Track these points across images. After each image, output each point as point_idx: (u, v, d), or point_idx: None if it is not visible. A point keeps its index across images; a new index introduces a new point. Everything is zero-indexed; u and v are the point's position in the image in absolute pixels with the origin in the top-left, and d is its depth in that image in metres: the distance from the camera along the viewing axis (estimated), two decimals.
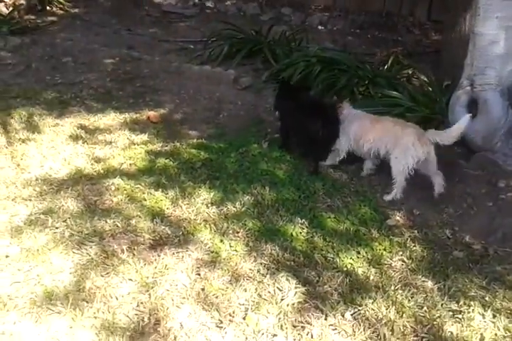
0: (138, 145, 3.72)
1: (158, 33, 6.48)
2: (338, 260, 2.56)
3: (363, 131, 3.22)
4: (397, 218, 2.98)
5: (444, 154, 3.39)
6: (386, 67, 4.84)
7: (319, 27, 6.44)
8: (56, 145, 3.67)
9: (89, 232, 2.65)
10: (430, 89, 4.11)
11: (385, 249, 2.66)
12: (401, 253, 2.65)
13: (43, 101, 4.45)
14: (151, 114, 4.26)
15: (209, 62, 5.33)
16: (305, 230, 2.78)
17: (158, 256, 2.52)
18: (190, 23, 6.77)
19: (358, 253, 2.62)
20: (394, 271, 2.53)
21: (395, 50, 5.54)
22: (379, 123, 3.22)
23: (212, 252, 2.57)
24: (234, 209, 2.94)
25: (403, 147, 3.03)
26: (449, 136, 3.02)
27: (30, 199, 2.91)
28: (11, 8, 6.42)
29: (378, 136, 3.14)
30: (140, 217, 2.83)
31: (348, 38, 6.19)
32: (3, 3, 6.46)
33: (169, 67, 5.32)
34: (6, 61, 5.40)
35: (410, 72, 4.99)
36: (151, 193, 3.06)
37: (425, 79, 4.46)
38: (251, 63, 5.25)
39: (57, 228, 2.68)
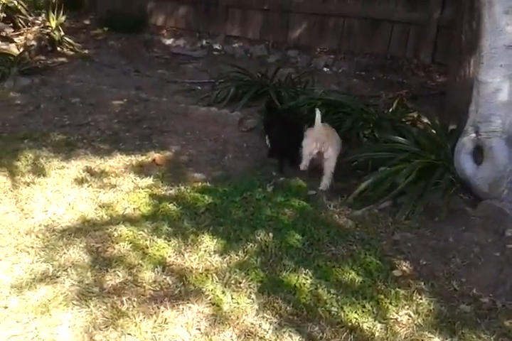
0: (142, 189, 3.71)
1: (167, 74, 6.59)
2: (342, 314, 2.49)
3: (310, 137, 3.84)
4: (404, 268, 2.93)
5: (448, 200, 3.38)
6: (391, 110, 4.86)
7: (325, 69, 6.53)
8: (61, 188, 3.67)
9: (90, 282, 2.61)
10: (435, 132, 4.10)
11: (390, 303, 2.60)
12: (407, 307, 2.58)
13: (50, 142, 4.48)
14: (157, 156, 4.27)
15: (215, 104, 5.39)
16: (309, 281, 2.72)
17: (158, 308, 2.47)
18: (198, 65, 6.89)
19: (363, 307, 2.56)
20: (400, 326, 2.46)
21: (400, 92, 5.59)
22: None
23: (213, 305, 2.52)
24: (237, 257, 2.90)
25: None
26: None
27: (32, 247, 2.89)
28: (21, 49, 6.56)
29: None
30: (142, 265, 2.79)
31: (353, 80, 6.25)
32: (14, 44, 6.62)
33: (176, 109, 5.38)
34: (14, 102, 5.49)
35: (415, 116, 5.02)
36: (153, 240, 3.03)
37: (430, 122, 4.46)
38: (256, 105, 5.29)
39: (57, 277, 2.65)
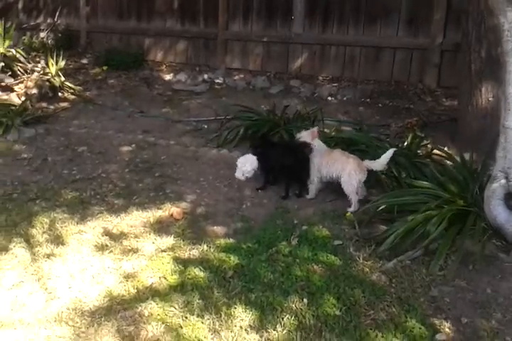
0: (165, 252, 3.58)
1: (171, 112, 6.51)
2: None
3: (322, 161, 4.11)
4: (447, 330, 2.79)
5: (482, 248, 3.26)
6: (406, 143, 4.74)
7: (329, 98, 6.43)
8: (82, 258, 3.53)
9: None
10: (456, 171, 3.98)
11: None
12: None
13: (63, 202, 4.36)
14: (174, 211, 4.14)
15: (225, 145, 5.30)
16: None
17: None
18: (201, 100, 6.81)
19: None
20: None
21: (410, 120, 5.49)
22: (331, 154, 4.14)
23: None
24: (275, 333, 2.77)
25: (348, 173, 3.97)
26: (380, 164, 3.98)
27: (64, 337, 2.75)
28: (23, 98, 6.45)
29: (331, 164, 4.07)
30: None
31: (360, 108, 6.16)
32: (14, 93, 6.51)
33: (186, 152, 5.28)
34: (21, 155, 5.37)
35: (429, 146, 4.91)
36: (186, 318, 2.89)
37: (449, 158, 4.34)
38: None
39: None
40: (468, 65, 4.75)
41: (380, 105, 6.14)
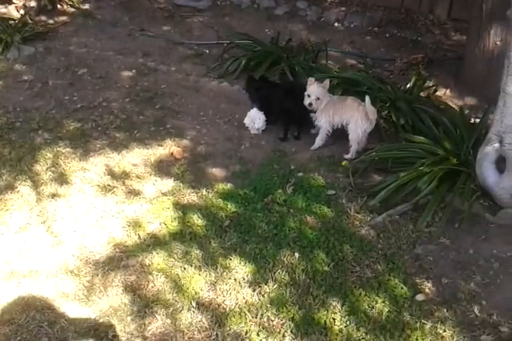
0: (165, 195, 3.60)
1: (172, 31, 6.12)
2: None
3: (336, 108, 3.93)
4: (427, 290, 2.91)
5: (470, 207, 3.28)
6: (408, 86, 4.55)
7: (336, 24, 6.02)
8: (85, 199, 3.55)
9: (132, 330, 2.62)
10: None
11: (416, 339, 2.62)
12: None
13: (65, 134, 4.28)
14: (175, 150, 4.08)
15: (226, 76, 5.07)
16: (338, 316, 2.72)
17: None
18: (203, 19, 6.37)
19: None
20: None
21: (415, 56, 5.22)
22: (344, 102, 3.95)
23: None
24: (267, 288, 2.87)
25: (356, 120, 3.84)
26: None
27: (71, 286, 2.86)
28: (21, 11, 6.02)
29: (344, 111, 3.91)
30: (177, 302, 2.78)
31: (366, 37, 5.80)
32: (13, 6, 6.06)
33: (187, 82, 5.07)
34: (22, 77, 5.16)
35: (431, 85, 4.73)
36: (184, 269, 2.98)
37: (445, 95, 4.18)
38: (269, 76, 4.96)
39: (99, 328, 2.64)
40: (479, 5, 4.40)
41: (387, 35, 5.77)
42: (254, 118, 4.22)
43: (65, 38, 5.88)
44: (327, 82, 3.91)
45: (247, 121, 4.27)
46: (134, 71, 5.24)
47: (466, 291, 2.91)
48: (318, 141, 4.06)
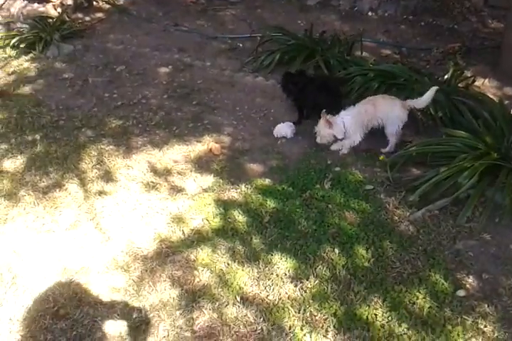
0: (206, 191, 3.69)
1: (205, 25, 6.17)
2: None
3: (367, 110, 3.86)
4: (468, 286, 2.93)
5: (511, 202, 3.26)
6: (446, 77, 4.49)
7: (369, 13, 5.96)
8: (130, 196, 3.67)
9: (181, 325, 2.73)
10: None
11: (458, 334, 2.65)
12: (474, 339, 2.64)
13: (108, 131, 4.41)
14: (213, 146, 4.16)
15: (261, 70, 5.10)
16: (380, 312, 2.77)
17: None
18: (236, 12, 6.39)
19: None
20: None
21: (452, 45, 5.13)
22: (375, 103, 3.87)
23: None
24: (308, 284, 2.95)
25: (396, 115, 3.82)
26: (423, 102, 3.78)
27: (121, 282, 2.99)
28: (59, 9, 6.16)
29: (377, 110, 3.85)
30: (223, 297, 2.88)
31: (401, 26, 5.72)
32: (51, 4, 6.20)
33: (222, 77, 5.12)
34: (62, 75, 5.31)
35: (469, 76, 4.66)
36: (228, 264, 3.08)
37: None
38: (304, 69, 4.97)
39: (150, 321, 2.77)
40: None
41: (422, 24, 5.68)
42: (282, 130, 4.22)
43: (102, 35, 6.00)
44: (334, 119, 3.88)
45: (276, 133, 4.25)
46: (170, 67, 5.32)
47: (506, 287, 2.92)
48: (346, 145, 4.00)
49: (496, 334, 2.66)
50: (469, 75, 4.65)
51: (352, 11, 6.05)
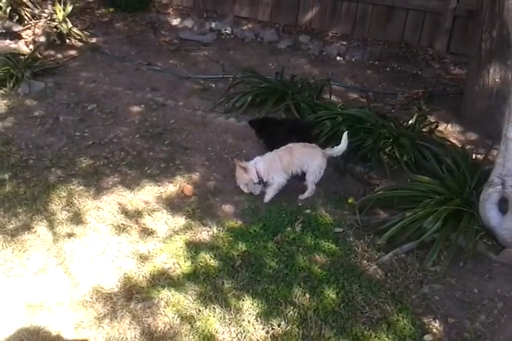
0: (177, 234, 3.71)
1: (178, 66, 6.30)
2: None
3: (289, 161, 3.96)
4: (434, 330, 3.01)
5: (474, 246, 3.40)
6: (410, 122, 4.71)
7: (338, 58, 6.22)
8: (100, 239, 3.65)
9: None
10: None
11: None
12: None
13: (78, 171, 4.40)
14: (185, 187, 4.21)
15: (233, 111, 5.23)
16: None
17: None
18: (209, 53, 6.57)
19: None
20: None
21: (416, 91, 5.40)
22: (293, 151, 3.98)
23: None
24: (279, 330, 2.98)
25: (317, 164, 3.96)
26: (339, 150, 3.98)
27: (90, 328, 2.96)
28: (31, 46, 6.21)
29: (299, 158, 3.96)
30: None
31: (367, 71, 5.99)
32: (22, 41, 6.25)
33: (194, 117, 5.23)
34: (33, 113, 5.30)
35: (433, 122, 4.89)
36: (199, 310, 3.09)
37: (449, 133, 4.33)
38: (274, 112, 5.12)
39: None
40: (478, 45, 4.59)
41: (387, 69, 5.96)
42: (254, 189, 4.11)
43: (74, 73, 6.05)
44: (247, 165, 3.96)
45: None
46: (142, 106, 5.40)
47: (471, 331, 3.02)
48: (270, 193, 4.03)
49: None
50: (432, 120, 4.90)
51: (321, 55, 6.32)
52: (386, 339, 2.94)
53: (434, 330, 3.02)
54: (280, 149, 4.00)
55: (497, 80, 4.61)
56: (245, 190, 4.04)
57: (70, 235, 3.67)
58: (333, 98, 5.33)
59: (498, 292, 3.24)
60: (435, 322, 3.07)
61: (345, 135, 3.93)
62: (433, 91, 5.43)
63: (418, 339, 2.95)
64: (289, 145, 4.00)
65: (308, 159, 3.94)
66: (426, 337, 2.97)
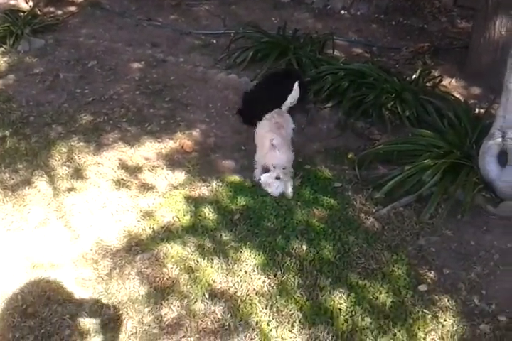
0: (177, 189, 3.72)
1: (179, 21, 6.15)
2: None
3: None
4: (429, 281, 3.04)
5: (472, 199, 3.38)
6: (414, 76, 4.59)
7: (342, 12, 6.02)
8: (101, 193, 3.68)
9: (149, 322, 2.78)
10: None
11: (419, 328, 2.75)
12: (433, 332, 2.74)
13: (78, 128, 4.39)
14: (185, 143, 4.19)
15: (235, 67, 5.12)
16: (344, 306, 2.86)
17: None
18: (210, 8, 6.38)
19: (394, 335, 2.72)
20: None
21: (421, 45, 5.24)
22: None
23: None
24: (275, 279, 3.02)
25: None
26: (291, 99, 3.92)
27: (90, 280, 3.01)
28: (30, 3, 6.08)
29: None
30: (191, 294, 2.93)
31: (372, 25, 5.80)
32: None
33: (195, 73, 5.13)
34: (33, 70, 5.25)
35: (437, 76, 4.77)
36: (197, 261, 3.13)
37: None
38: (276, 67, 5.01)
39: (119, 318, 2.81)
40: None
41: (393, 23, 5.77)
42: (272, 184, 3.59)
43: (74, 29, 5.94)
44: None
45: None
46: (143, 62, 5.31)
47: (466, 281, 3.03)
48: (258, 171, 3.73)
49: (455, 328, 2.77)
50: (437, 75, 4.77)
51: (325, 9, 6.11)
52: (381, 288, 2.97)
53: (429, 281, 3.04)
54: (272, 129, 3.73)
55: (503, 33, 4.45)
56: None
57: (70, 190, 3.69)
58: (336, 53, 5.19)
59: (495, 244, 3.23)
60: (430, 273, 3.08)
61: (296, 84, 3.85)
62: (439, 45, 5.26)
63: (412, 289, 2.97)
64: (272, 120, 3.82)
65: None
66: (420, 287, 2.99)
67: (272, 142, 3.53)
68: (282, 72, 4.59)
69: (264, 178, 3.51)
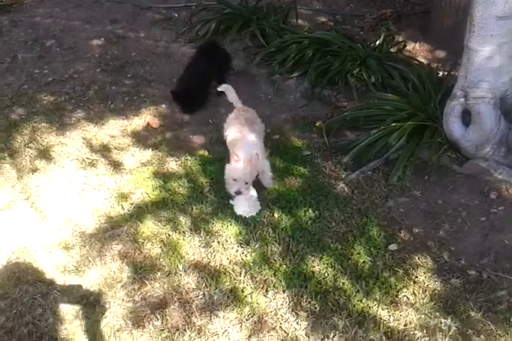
0: (145, 165, 3.68)
1: None
2: (350, 306, 2.72)
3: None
4: (399, 240, 3.09)
5: (438, 159, 3.43)
6: (378, 42, 4.59)
7: None
8: (66, 173, 3.62)
9: (122, 297, 2.77)
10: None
11: (391, 286, 2.81)
12: (405, 289, 2.80)
13: (39, 108, 4.29)
14: (150, 119, 4.14)
15: (197, 40, 5.04)
16: (317, 269, 2.89)
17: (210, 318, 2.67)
18: None
19: (367, 293, 2.77)
20: (401, 310, 2.70)
21: (384, 12, 5.24)
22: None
23: (236, 307, 2.72)
24: (249, 248, 3.02)
25: None
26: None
27: (60, 259, 2.97)
28: None
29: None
30: (164, 266, 2.92)
31: None
32: None
33: (157, 48, 5.05)
34: None
35: (400, 41, 4.79)
36: (169, 235, 3.11)
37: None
38: (239, 39, 4.97)
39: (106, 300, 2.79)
40: None
41: None
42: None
43: (30, 9, 5.77)
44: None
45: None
46: (102, 39, 5.19)
47: (435, 239, 3.09)
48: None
49: (426, 284, 2.83)
50: (400, 40, 4.78)
51: None
52: (352, 250, 3.01)
53: (399, 240, 3.09)
54: (243, 124, 3.50)
55: None
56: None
57: (34, 171, 3.62)
58: (300, 22, 5.16)
59: (462, 202, 3.29)
60: (400, 232, 3.14)
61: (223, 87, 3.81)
62: (401, 11, 5.28)
63: (383, 249, 3.02)
64: (244, 115, 3.61)
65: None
66: (391, 246, 3.04)
67: (237, 154, 3.11)
68: (204, 46, 4.48)
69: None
